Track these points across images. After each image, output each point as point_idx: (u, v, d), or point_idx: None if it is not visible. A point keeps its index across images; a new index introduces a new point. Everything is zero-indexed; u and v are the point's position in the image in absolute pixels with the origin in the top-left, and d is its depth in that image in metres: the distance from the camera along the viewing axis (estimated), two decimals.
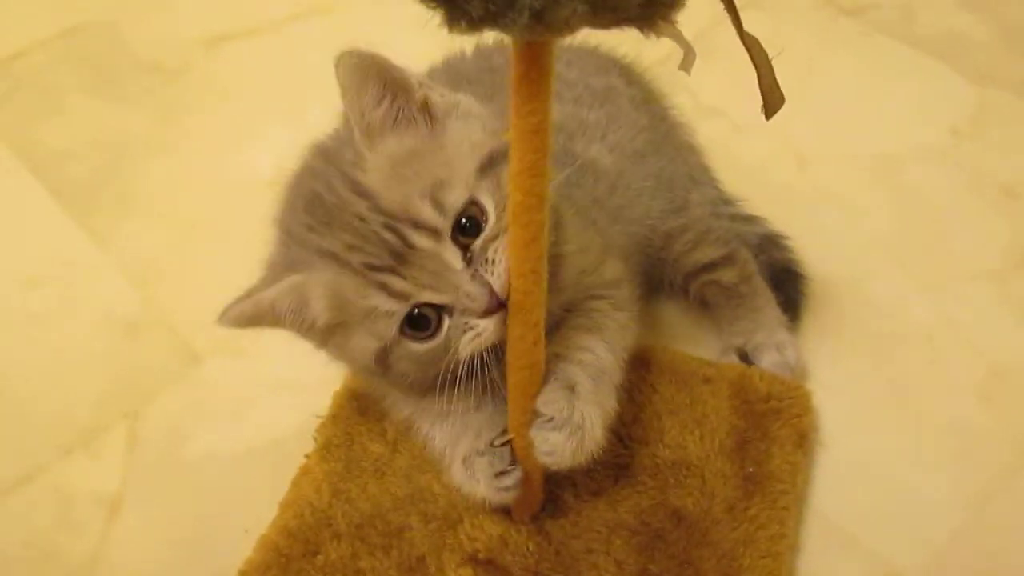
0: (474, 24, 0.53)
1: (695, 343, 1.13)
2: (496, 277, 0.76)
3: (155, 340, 1.18)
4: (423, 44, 0.98)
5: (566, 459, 0.80)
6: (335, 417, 1.03)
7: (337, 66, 0.77)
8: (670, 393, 1.01)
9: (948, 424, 1.06)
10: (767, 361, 1.06)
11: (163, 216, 1.33)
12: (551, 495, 0.94)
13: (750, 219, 1.22)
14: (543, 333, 0.76)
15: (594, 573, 0.90)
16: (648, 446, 0.97)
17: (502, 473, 0.84)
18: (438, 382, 0.81)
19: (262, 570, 0.93)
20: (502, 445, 0.84)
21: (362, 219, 0.77)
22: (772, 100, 0.72)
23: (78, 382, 1.15)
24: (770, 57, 0.69)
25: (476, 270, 0.77)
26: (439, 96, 0.82)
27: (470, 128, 0.81)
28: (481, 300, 0.76)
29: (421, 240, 0.76)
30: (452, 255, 0.77)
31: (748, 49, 0.68)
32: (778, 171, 1.32)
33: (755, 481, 0.94)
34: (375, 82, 0.78)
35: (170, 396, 1.13)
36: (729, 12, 0.65)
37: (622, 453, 0.97)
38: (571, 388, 0.80)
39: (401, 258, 0.76)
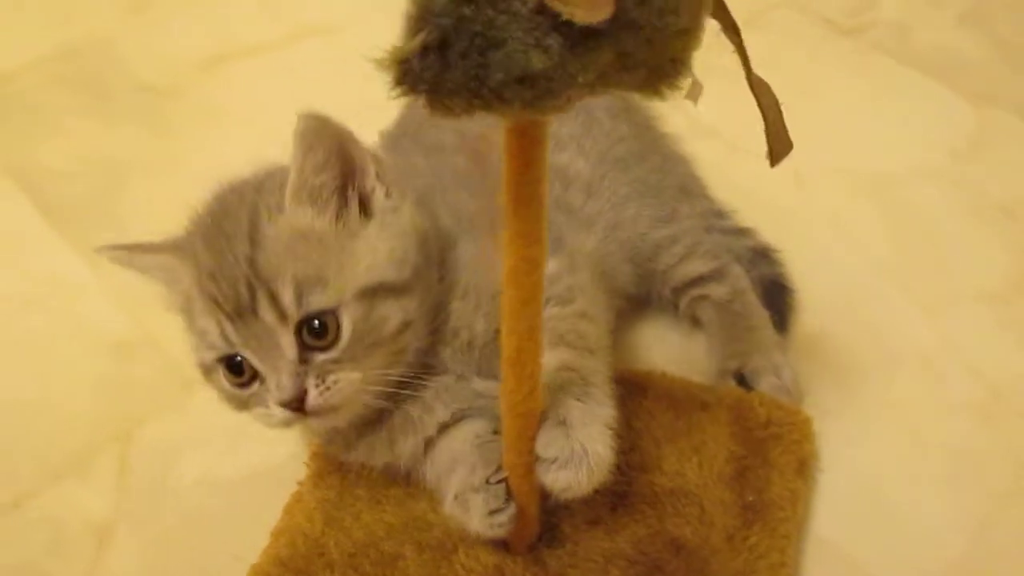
0: (460, 114, 0.51)
1: (689, 363, 1.12)
2: (317, 395, 0.80)
3: (147, 364, 1.17)
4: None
5: (583, 488, 0.79)
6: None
7: (297, 122, 0.78)
8: (668, 420, 1.00)
9: (948, 447, 1.05)
10: (766, 385, 1.05)
11: (155, 237, 1.32)
12: (548, 524, 0.92)
13: (742, 232, 1.22)
14: (539, 383, 0.75)
15: None
16: (646, 474, 0.96)
17: (496, 511, 0.83)
18: None
19: None
20: (497, 483, 0.83)
21: (235, 260, 0.80)
22: (779, 146, 0.70)
23: (69, 405, 1.14)
24: (779, 102, 0.69)
25: (306, 372, 0.80)
26: (384, 197, 0.84)
27: (382, 245, 0.83)
28: (286, 394, 0.80)
29: (267, 314, 0.79)
30: (287, 343, 0.80)
31: (756, 93, 0.67)
32: (775, 191, 1.31)
33: (755, 509, 0.93)
34: (325, 151, 0.80)
35: (162, 421, 1.12)
36: (739, 54, 0.63)
37: (619, 481, 0.95)
38: (562, 422, 0.79)
39: (242, 316, 0.79)
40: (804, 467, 0.97)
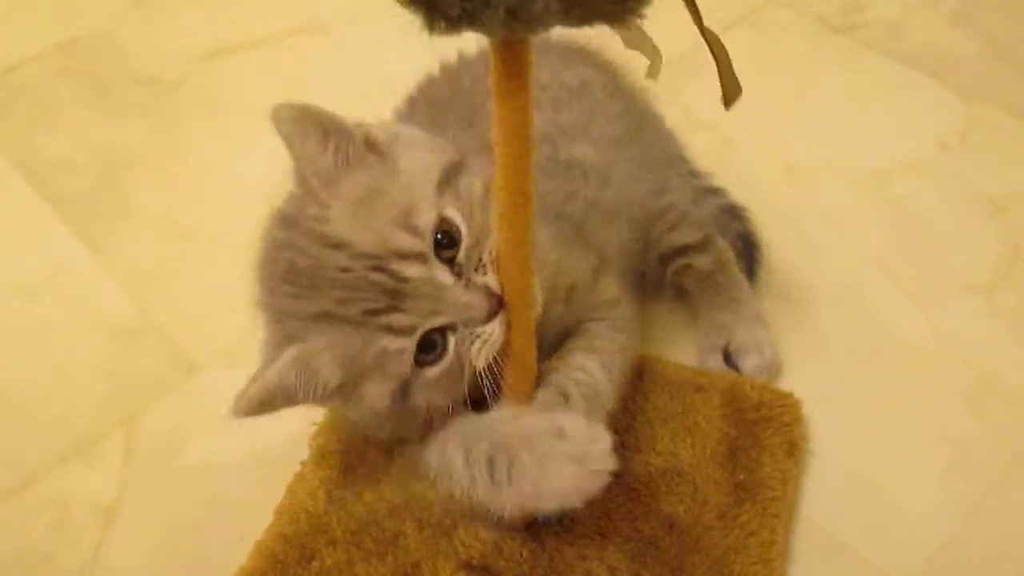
0: (452, 24, 0.55)
1: (683, 347, 1.14)
2: (489, 278, 0.77)
3: (152, 349, 1.19)
4: (413, 61, 1.00)
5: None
6: (330, 424, 1.03)
7: (276, 121, 0.77)
8: (662, 402, 1.02)
9: (938, 434, 1.07)
10: (749, 364, 1.08)
11: (160, 226, 1.33)
12: None
13: (714, 191, 1.25)
14: (534, 335, 0.78)
15: None
16: (640, 454, 0.98)
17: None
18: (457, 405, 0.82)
19: None
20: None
21: (346, 270, 0.76)
22: (731, 91, 0.75)
23: (75, 390, 1.15)
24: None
25: (468, 279, 0.78)
26: (379, 130, 0.82)
27: (417, 152, 0.81)
28: (481, 307, 0.77)
29: (411, 269, 0.76)
30: (442, 274, 0.77)
31: (708, 42, 0.71)
32: (769, 184, 1.33)
33: (746, 488, 0.95)
34: (315, 129, 0.78)
35: (167, 404, 1.13)
36: (689, 8, 0.67)
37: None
38: (565, 396, 0.81)
39: (396, 294, 0.76)
40: (794, 448, 0.99)
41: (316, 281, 0.77)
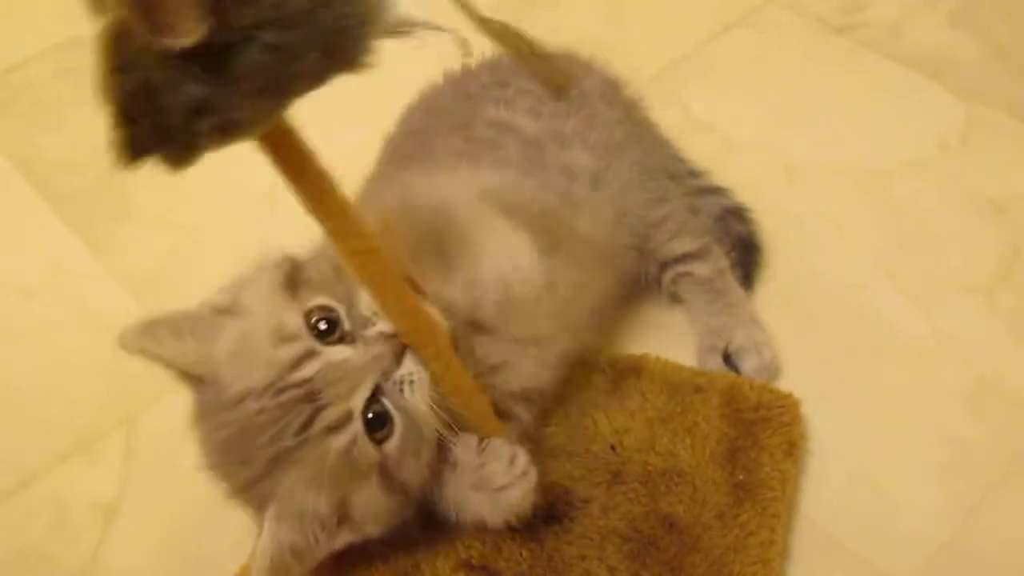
0: (183, 156, 0.53)
1: (682, 347, 1.14)
2: (380, 326, 0.77)
3: None
4: (416, 60, 1.00)
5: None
6: None
7: (127, 349, 0.79)
8: (661, 402, 1.02)
9: (938, 435, 1.07)
10: (749, 365, 1.09)
11: (160, 226, 1.34)
12: (544, 503, 0.94)
13: (716, 190, 1.26)
14: (453, 356, 0.78)
15: None
16: (640, 454, 0.98)
17: (513, 458, 0.85)
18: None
19: None
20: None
21: (261, 411, 0.75)
22: (553, 86, 0.71)
23: (76, 390, 1.16)
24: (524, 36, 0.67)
25: (362, 339, 0.78)
26: (220, 295, 0.82)
27: (254, 284, 0.82)
28: (385, 353, 0.77)
29: (307, 368, 0.75)
30: (336, 352, 0.77)
31: (493, 39, 0.65)
32: (768, 185, 1.33)
33: (745, 488, 0.95)
34: (165, 332, 0.79)
35: (167, 404, 1.13)
36: (461, 8, 0.63)
37: (614, 461, 0.98)
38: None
39: (312, 396, 0.75)
40: (793, 448, 0.99)
41: (247, 439, 0.76)
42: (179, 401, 1.11)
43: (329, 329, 0.77)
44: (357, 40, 0.55)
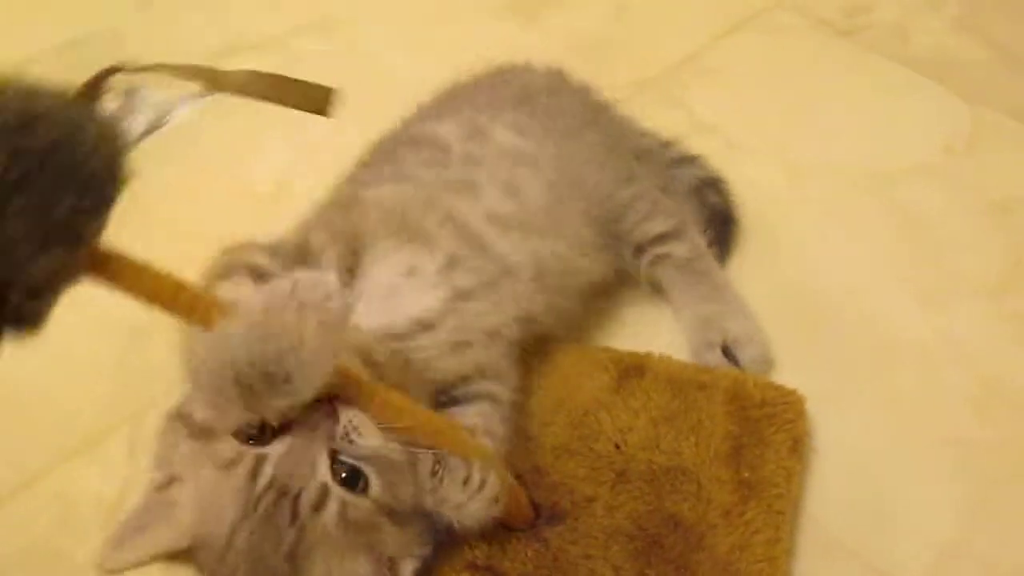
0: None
1: (684, 345, 1.14)
2: (296, 398, 0.74)
3: (158, 346, 1.18)
4: (421, 61, 1.00)
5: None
6: None
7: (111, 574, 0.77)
8: (664, 400, 1.01)
9: (943, 437, 1.07)
10: (747, 356, 1.09)
11: (165, 225, 1.33)
12: (548, 502, 0.95)
13: (690, 160, 1.27)
14: (381, 389, 0.78)
15: None
16: (644, 452, 0.97)
17: (467, 478, 0.83)
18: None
19: None
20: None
21: (253, 532, 0.75)
22: (314, 108, 0.74)
23: (81, 387, 1.16)
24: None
25: (292, 419, 0.76)
26: (156, 475, 0.81)
27: (177, 452, 0.81)
28: (316, 418, 0.76)
29: (265, 473, 0.75)
30: (278, 447, 0.76)
31: (248, 95, 0.72)
32: (773, 187, 1.33)
33: (750, 486, 0.95)
34: (135, 537, 0.78)
35: (173, 402, 1.13)
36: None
37: (618, 459, 0.97)
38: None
39: (284, 493, 0.75)
40: (798, 445, 0.98)
41: (260, 563, 0.76)
42: None
43: (261, 433, 0.76)
44: (107, 168, 0.60)
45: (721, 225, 1.22)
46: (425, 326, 0.89)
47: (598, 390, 1.03)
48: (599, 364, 1.06)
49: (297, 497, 0.75)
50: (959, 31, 1.56)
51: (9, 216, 0.53)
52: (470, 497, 0.83)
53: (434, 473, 0.82)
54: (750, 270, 1.23)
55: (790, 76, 1.50)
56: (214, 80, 0.68)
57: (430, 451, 0.81)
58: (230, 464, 0.76)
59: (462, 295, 0.92)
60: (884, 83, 1.48)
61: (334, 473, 0.76)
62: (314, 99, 0.75)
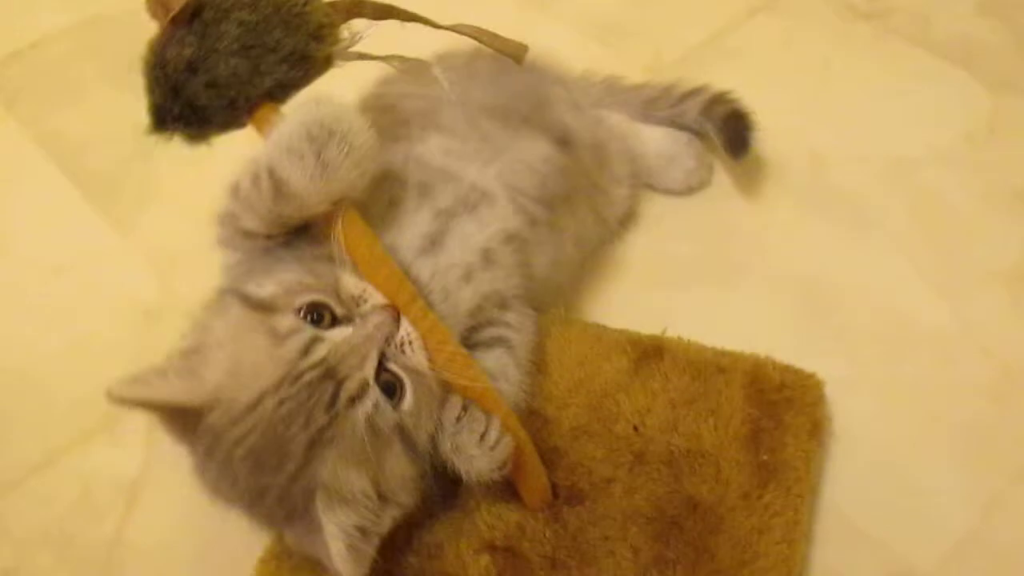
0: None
1: (703, 328, 1.12)
2: (372, 299, 0.82)
3: (176, 327, 1.18)
4: (435, 45, 1.00)
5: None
6: None
7: (118, 403, 0.79)
8: (683, 383, 1.01)
9: (961, 424, 1.06)
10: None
11: (183, 205, 1.33)
12: (566, 484, 0.95)
13: (691, 92, 1.32)
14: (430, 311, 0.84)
15: (611, 560, 0.90)
16: (663, 434, 0.97)
17: (484, 433, 0.85)
18: None
19: (282, 558, 0.93)
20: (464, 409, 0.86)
21: (283, 401, 0.76)
22: (514, 52, 0.93)
23: (99, 368, 1.15)
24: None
25: (359, 314, 0.81)
26: (184, 341, 0.83)
27: (221, 317, 0.83)
28: (384, 321, 0.81)
29: (316, 353, 0.77)
30: (339, 333, 0.80)
31: (460, 33, 0.90)
32: (793, 172, 1.33)
33: (769, 469, 0.94)
34: (154, 379, 0.79)
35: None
36: (419, 21, 0.89)
37: (636, 441, 0.97)
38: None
39: (330, 375, 0.77)
40: (817, 429, 0.98)
41: (278, 433, 0.76)
42: None
43: (322, 319, 0.80)
44: (312, 28, 0.84)
45: (736, 123, 1.26)
46: (423, 251, 0.91)
47: (616, 372, 1.03)
48: (617, 346, 1.05)
49: (340, 384, 0.77)
50: (982, 16, 1.54)
51: (232, 21, 0.82)
52: (483, 453, 0.84)
53: (458, 419, 0.85)
54: (771, 254, 1.23)
55: (811, 60, 1.49)
56: (433, 24, 0.86)
57: (459, 400, 0.86)
58: (284, 336, 0.78)
59: (445, 212, 0.94)
60: (906, 68, 1.47)
61: (377, 375, 0.79)
62: (512, 47, 0.92)
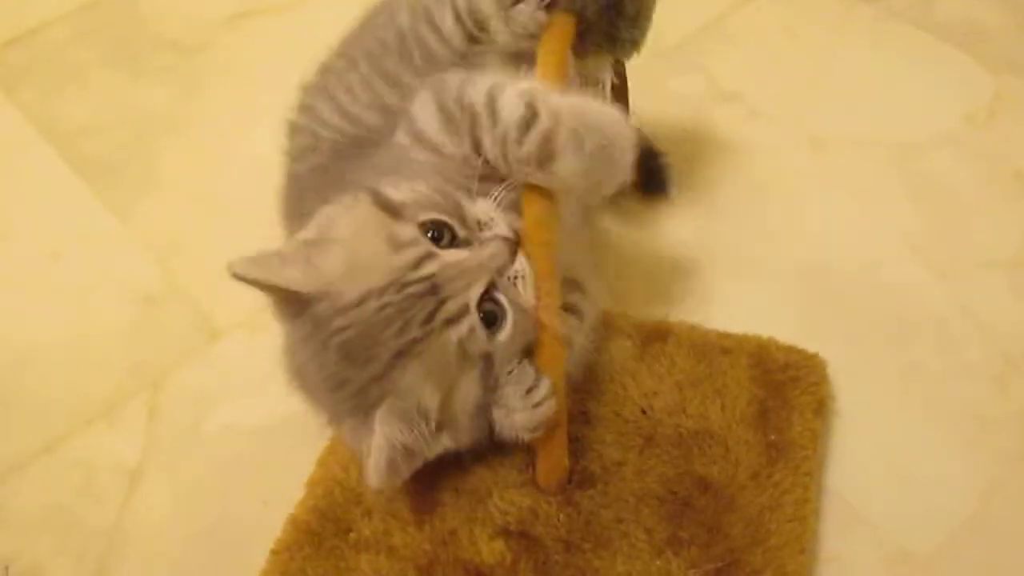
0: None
1: (707, 311, 1.13)
2: (497, 228, 0.83)
3: (175, 313, 1.19)
4: None
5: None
6: None
7: (240, 277, 0.79)
8: (689, 365, 1.02)
9: (962, 410, 1.06)
10: None
11: (184, 191, 1.33)
12: (578, 467, 0.95)
13: None
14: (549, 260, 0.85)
15: (625, 541, 0.90)
16: (671, 417, 0.98)
17: (532, 389, 0.85)
18: None
19: (295, 549, 0.92)
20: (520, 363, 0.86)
21: (384, 307, 0.79)
22: None
23: (100, 354, 1.16)
24: None
25: (479, 240, 0.83)
26: (307, 231, 0.84)
27: (346, 216, 0.84)
28: (502, 252, 0.82)
29: (428, 267, 0.80)
30: (454, 254, 0.81)
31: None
32: (794, 156, 1.33)
33: (778, 448, 0.95)
34: (272, 261, 0.80)
35: (190, 369, 1.13)
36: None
37: (645, 424, 0.97)
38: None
39: (435, 290, 0.79)
40: (822, 407, 0.99)
41: (372, 334, 0.79)
42: (202, 366, 1.13)
43: (441, 238, 0.82)
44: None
45: (652, 160, 1.24)
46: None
47: (622, 357, 1.03)
48: (621, 331, 1.05)
49: (442, 302, 0.79)
50: None
51: None
52: (524, 408, 0.85)
53: (510, 371, 0.85)
54: (772, 239, 1.23)
55: (812, 43, 1.49)
56: None
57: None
58: (402, 245, 0.80)
59: (418, 137, 0.91)
60: (907, 50, 1.47)
61: (481, 302, 0.81)
62: None
